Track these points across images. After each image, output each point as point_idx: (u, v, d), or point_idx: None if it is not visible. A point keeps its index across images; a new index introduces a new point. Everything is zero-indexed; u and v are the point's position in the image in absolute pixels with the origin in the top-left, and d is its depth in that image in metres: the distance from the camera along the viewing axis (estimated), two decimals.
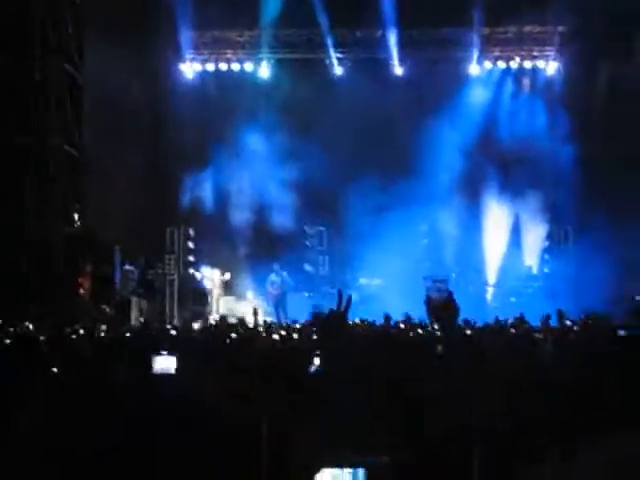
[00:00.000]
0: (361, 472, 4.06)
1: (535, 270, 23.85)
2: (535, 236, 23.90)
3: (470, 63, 24.48)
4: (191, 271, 23.68)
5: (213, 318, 21.39)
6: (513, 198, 23.65)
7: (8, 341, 12.28)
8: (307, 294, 23.59)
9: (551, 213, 23.89)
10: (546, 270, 23.81)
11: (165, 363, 6.93)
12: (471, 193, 23.80)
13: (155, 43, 24.02)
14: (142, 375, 6.91)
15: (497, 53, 24.76)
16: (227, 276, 23.57)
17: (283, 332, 14.17)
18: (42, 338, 12.87)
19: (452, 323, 11.92)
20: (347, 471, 4.05)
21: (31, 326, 14.80)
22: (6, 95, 18.00)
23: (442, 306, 15.45)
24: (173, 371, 6.90)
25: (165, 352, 7.07)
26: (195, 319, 20.57)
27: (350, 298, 7.05)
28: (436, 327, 12.93)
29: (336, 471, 4.06)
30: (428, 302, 16.44)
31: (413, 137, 22.81)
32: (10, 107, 18.42)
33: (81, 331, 14.05)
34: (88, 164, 20.82)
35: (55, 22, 19.33)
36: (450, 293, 16.79)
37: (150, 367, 6.97)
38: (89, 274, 20.22)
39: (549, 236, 23.94)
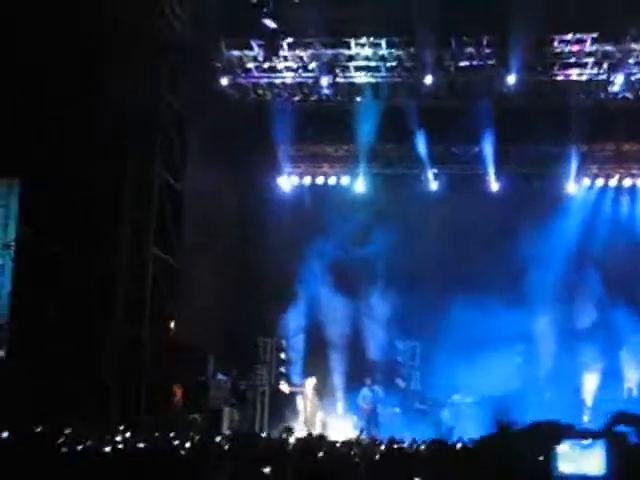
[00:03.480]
0: None
1: (635, 392, 23.03)
2: (637, 355, 23.15)
3: (567, 180, 24.29)
4: (282, 384, 23.48)
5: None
6: (610, 314, 23.04)
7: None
8: (398, 409, 23.17)
9: None
10: None
11: None
12: (568, 310, 23.25)
13: (253, 156, 24.49)
14: None
15: (595, 171, 24.58)
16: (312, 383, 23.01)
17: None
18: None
19: None
20: None
21: (127, 434, 14.73)
22: (113, 206, 18.32)
23: None
24: None
25: None
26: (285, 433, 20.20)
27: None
28: None
29: None
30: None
31: (509, 252, 22.58)
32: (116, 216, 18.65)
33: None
34: (184, 273, 20.98)
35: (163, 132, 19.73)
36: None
37: None
38: (182, 382, 20.14)
39: None
